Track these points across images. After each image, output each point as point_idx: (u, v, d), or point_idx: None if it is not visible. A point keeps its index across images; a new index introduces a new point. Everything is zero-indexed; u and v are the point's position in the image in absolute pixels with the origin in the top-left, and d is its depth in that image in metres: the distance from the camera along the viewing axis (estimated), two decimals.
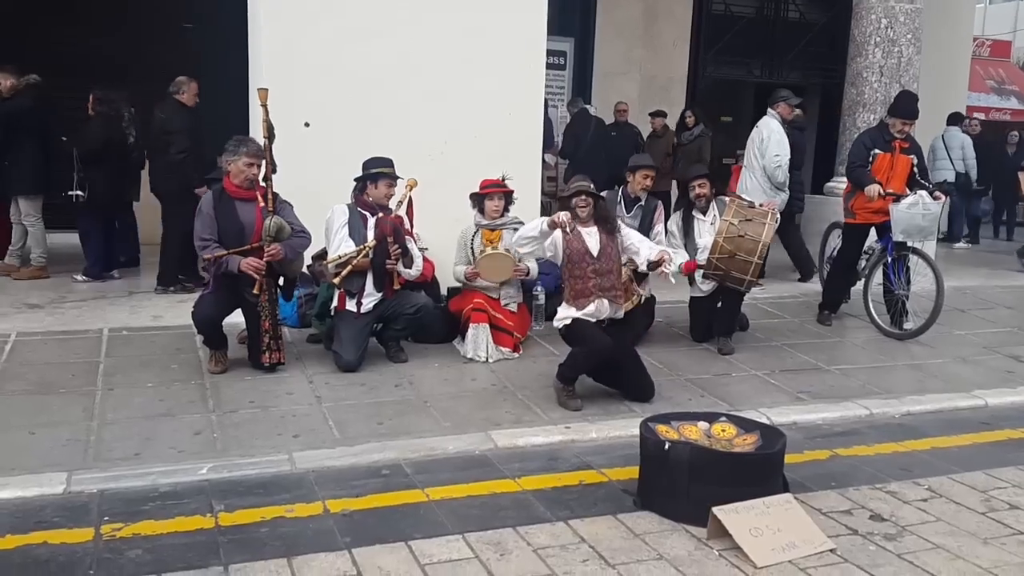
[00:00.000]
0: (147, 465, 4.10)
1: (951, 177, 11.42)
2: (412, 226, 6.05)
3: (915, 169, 6.93)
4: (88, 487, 3.88)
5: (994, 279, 9.43)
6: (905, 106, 6.96)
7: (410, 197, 5.88)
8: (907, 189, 6.79)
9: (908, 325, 6.84)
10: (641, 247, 5.31)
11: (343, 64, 6.46)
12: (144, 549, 3.38)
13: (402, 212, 5.81)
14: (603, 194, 6.59)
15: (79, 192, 7.55)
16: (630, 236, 5.38)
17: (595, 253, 5.14)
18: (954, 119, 11.93)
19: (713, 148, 10.72)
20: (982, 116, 16.69)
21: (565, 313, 5.17)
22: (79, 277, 7.66)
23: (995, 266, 10.23)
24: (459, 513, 3.75)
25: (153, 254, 7.85)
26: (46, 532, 3.48)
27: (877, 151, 6.87)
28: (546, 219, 5.07)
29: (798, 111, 8.99)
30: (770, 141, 8.25)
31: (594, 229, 5.21)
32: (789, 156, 8.28)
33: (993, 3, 23.62)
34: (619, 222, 5.47)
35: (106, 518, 3.62)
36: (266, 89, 5.36)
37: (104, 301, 7.01)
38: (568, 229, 5.00)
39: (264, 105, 5.32)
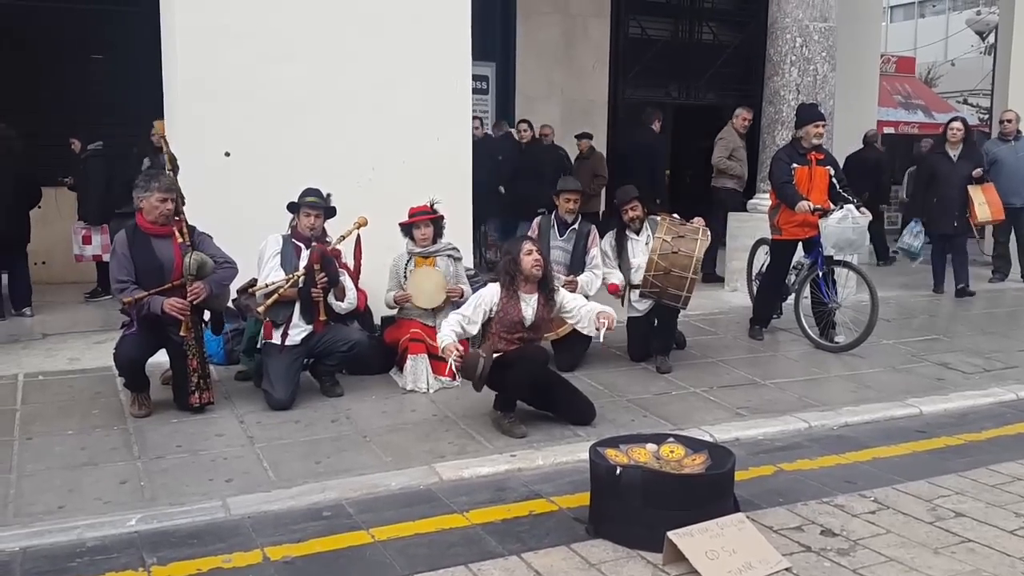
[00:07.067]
0: (72, 518, 3.84)
1: None
2: (359, 265, 5.87)
3: (834, 180, 7.02)
4: (9, 545, 3.62)
5: (912, 289, 9.65)
6: (807, 113, 7.12)
7: (358, 235, 5.70)
8: (830, 202, 6.89)
9: (839, 338, 6.93)
10: (580, 314, 5.14)
11: (264, 89, 6.25)
12: None
13: (342, 247, 5.61)
14: (537, 219, 6.59)
15: None
16: (568, 301, 5.22)
17: (528, 323, 5.05)
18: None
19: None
20: (892, 130, 17.27)
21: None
22: None
23: (911, 275, 10.43)
24: (407, 553, 3.60)
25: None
26: None
27: (795, 165, 6.96)
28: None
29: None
30: None
31: (534, 296, 5.09)
32: None
33: (894, 22, 24.59)
34: (558, 285, 5.35)
35: None
36: (162, 121, 5.19)
37: (17, 345, 6.67)
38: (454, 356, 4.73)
39: (163, 137, 5.14)
